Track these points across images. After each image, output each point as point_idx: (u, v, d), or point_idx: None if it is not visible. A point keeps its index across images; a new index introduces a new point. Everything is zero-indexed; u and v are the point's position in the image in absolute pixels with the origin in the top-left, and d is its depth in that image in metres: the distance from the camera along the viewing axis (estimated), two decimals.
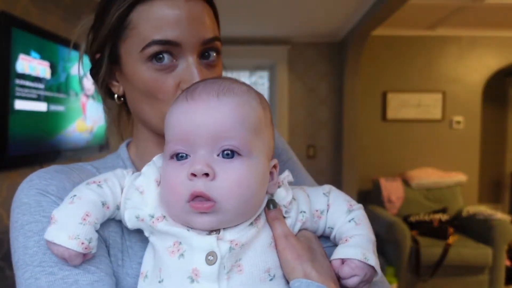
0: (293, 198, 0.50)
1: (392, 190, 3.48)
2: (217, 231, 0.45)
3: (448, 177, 3.53)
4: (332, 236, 0.52)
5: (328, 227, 0.51)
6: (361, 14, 3.05)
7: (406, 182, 3.54)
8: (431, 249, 2.96)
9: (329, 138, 3.86)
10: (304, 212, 0.50)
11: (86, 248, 0.43)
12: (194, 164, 0.43)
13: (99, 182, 0.48)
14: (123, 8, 0.51)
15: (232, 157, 0.44)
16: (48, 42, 1.80)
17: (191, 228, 0.45)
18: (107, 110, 0.64)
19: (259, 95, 0.50)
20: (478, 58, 3.82)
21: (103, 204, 0.46)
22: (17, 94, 1.60)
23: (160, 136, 0.54)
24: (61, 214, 0.44)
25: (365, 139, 3.86)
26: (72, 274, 0.45)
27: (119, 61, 0.54)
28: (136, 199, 0.47)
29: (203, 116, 0.44)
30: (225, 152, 0.44)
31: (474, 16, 3.27)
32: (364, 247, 0.47)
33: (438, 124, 3.85)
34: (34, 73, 1.71)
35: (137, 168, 0.59)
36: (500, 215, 3.07)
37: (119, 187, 0.49)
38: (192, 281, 0.42)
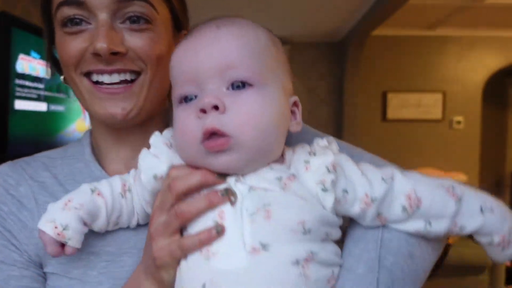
0: (333, 167, 0.40)
1: None
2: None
3: (448, 177, 3.53)
4: (428, 231, 0.43)
5: (425, 221, 0.42)
6: (361, 14, 3.04)
7: None
8: None
9: None
10: (347, 192, 0.41)
11: (58, 234, 0.42)
12: (202, 98, 0.39)
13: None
14: None
15: (243, 88, 0.40)
16: None
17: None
18: None
19: (270, 33, 0.45)
20: (478, 58, 3.82)
21: (92, 190, 0.45)
22: (17, 94, 1.60)
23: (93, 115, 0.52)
24: (50, 205, 0.45)
25: (365, 139, 3.86)
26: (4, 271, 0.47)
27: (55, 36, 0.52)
28: (151, 160, 0.44)
29: (205, 48, 0.41)
30: (235, 84, 0.40)
31: (474, 16, 3.27)
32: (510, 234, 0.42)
33: (438, 124, 3.85)
34: (34, 73, 1.70)
35: (95, 154, 0.57)
36: None
37: (119, 179, 0.48)
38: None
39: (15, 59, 1.57)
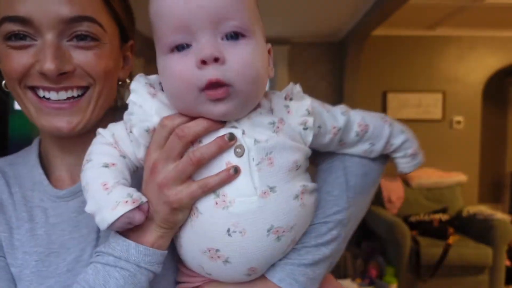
0: (312, 111, 0.49)
1: (392, 190, 3.48)
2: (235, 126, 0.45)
3: (448, 177, 3.53)
4: (372, 150, 0.57)
5: (370, 143, 0.56)
6: (361, 14, 3.05)
7: (406, 182, 3.54)
8: (431, 249, 2.96)
9: None
10: (320, 127, 0.51)
11: (134, 202, 0.43)
12: (203, 50, 0.41)
13: (86, 159, 0.48)
14: None
15: (237, 39, 0.42)
16: None
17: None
18: None
19: None
20: (478, 58, 3.82)
21: (106, 165, 0.46)
22: None
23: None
24: (91, 205, 0.44)
25: None
26: None
27: None
28: (139, 112, 0.45)
29: None
30: (229, 34, 0.42)
31: (474, 16, 3.27)
32: (418, 147, 0.60)
33: (438, 124, 3.85)
34: None
35: (42, 161, 0.59)
36: (500, 215, 3.07)
37: (105, 145, 0.48)
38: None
39: None
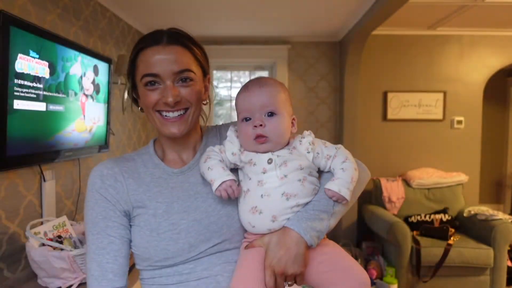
0: (313, 143, 0.88)
1: (393, 190, 3.47)
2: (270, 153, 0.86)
3: (449, 177, 3.52)
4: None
5: (332, 168, 0.89)
6: (361, 13, 3.04)
7: (406, 182, 3.53)
8: (432, 249, 2.95)
9: (329, 138, 3.85)
10: (318, 153, 0.88)
11: (234, 179, 0.84)
12: (255, 121, 0.85)
13: (207, 156, 0.88)
14: (133, 54, 0.89)
15: (272, 116, 0.86)
16: (47, 41, 1.79)
17: (257, 152, 0.87)
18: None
19: (282, 85, 0.91)
20: (479, 57, 3.81)
21: (220, 160, 0.88)
22: (16, 93, 1.59)
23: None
24: (212, 176, 0.85)
25: (365, 139, 3.85)
26: (100, 239, 0.84)
27: (136, 86, 0.91)
28: (229, 145, 0.90)
29: (255, 97, 0.86)
30: (268, 113, 0.86)
31: (475, 15, 3.26)
32: (342, 185, 0.85)
33: (439, 124, 3.85)
34: (33, 72, 1.70)
35: (156, 152, 0.96)
36: (501, 215, 3.06)
37: (215, 152, 0.89)
38: (264, 172, 0.84)
39: (14, 58, 1.56)
